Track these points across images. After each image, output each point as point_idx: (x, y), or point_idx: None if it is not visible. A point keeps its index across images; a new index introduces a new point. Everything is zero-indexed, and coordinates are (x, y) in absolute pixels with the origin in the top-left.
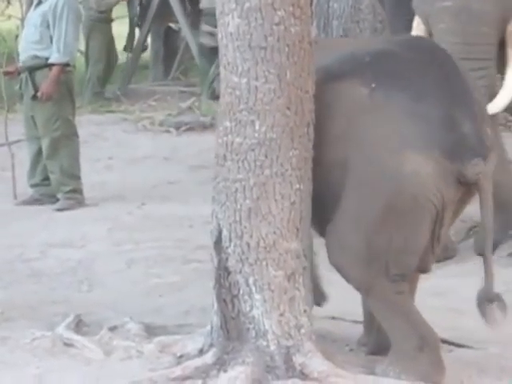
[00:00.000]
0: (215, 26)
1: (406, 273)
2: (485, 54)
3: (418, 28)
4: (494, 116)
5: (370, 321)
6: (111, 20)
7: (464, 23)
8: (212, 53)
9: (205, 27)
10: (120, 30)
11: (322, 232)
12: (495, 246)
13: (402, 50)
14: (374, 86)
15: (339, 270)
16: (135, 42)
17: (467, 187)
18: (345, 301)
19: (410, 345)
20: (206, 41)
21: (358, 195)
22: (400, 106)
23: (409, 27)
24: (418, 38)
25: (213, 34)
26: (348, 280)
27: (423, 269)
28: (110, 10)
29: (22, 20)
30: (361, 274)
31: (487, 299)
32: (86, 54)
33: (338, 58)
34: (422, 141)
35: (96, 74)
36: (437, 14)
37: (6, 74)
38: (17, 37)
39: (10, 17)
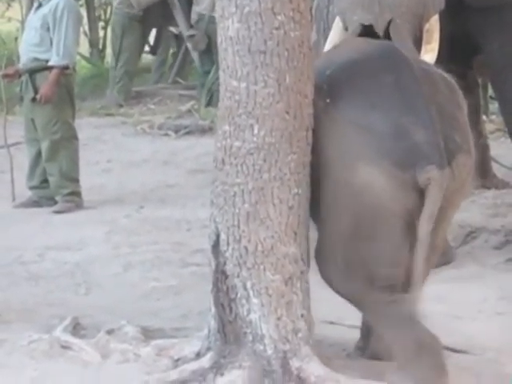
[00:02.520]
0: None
1: (393, 284)
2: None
3: (336, 26)
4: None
5: (367, 325)
6: (143, 20)
7: (376, 14)
8: (207, 57)
9: (187, 31)
10: None
11: None
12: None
13: (364, 59)
14: (328, 100)
15: (329, 285)
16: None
17: None
18: (342, 305)
19: (408, 351)
20: (188, 44)
21: (327, 210)
22: (351, 120)
23: None
24: (383, 44)
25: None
26: (339, 295)
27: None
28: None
29: (22, 22)
30: (347, 289)
31: None
32: (118, 52)
33: None
34: (372, 153)
35: (128, 73)
36: (351, 8)
37: (6, 76)
38: (16, 39)
39: (9, 19)
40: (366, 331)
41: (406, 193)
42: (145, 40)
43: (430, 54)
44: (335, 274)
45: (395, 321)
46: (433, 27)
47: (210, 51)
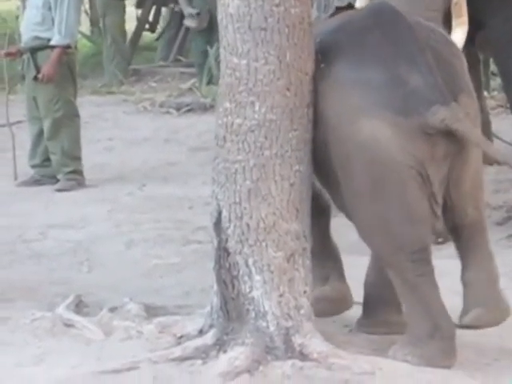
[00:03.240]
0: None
1: (422, 247)
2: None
3: None
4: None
5: (369, 301)
6: None
7: None
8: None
9: (187, 9)
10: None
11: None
12: None
13: (354, 20)
14: (322, 65)
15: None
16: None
17: (446, 137)
18: None
19: (423, 330)
20: (188, 23)
21: (342, 172)
22: (346, 78)
23: None
24: (375, 4)
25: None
26: (378, 256)
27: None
28: None
29: (23, 1)
30: (381, 251)
31: None
32: (104, 33)
33: None
34: (371, 105)
35: (119, 50)
36: None
37: (8, 55)
38: (17, 17)
39: None
40: (369, 308)
41: (412, 139)
42: (146, 18)
43: (461, 26)
44: (367, 236)
45: (419, 296)
46: (461, 0)
47: (204, 30)
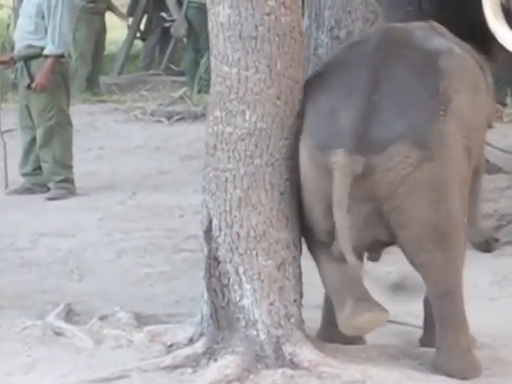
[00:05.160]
0: None
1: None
2: None
3: None
4: None
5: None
6: (102, 11)
7: None
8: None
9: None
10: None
11: None
12: None
13: (360, 41)
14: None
15: None
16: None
17: (367, 180)
18: None
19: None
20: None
21: None
22: (310, 101)
23: (405, 18)
24: (384, 27)
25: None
26: None
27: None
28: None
29: (14, 9)
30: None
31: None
32: (74, 46)
33: None
34: (307, 132)
35: (83, 69)
36: None
37: (2, 63)
38: (8, 26)
39: (1, 6)
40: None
41: (322, 175)
42: (137, 26)
43: None
44: None
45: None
46: None
47: (192, 38)
